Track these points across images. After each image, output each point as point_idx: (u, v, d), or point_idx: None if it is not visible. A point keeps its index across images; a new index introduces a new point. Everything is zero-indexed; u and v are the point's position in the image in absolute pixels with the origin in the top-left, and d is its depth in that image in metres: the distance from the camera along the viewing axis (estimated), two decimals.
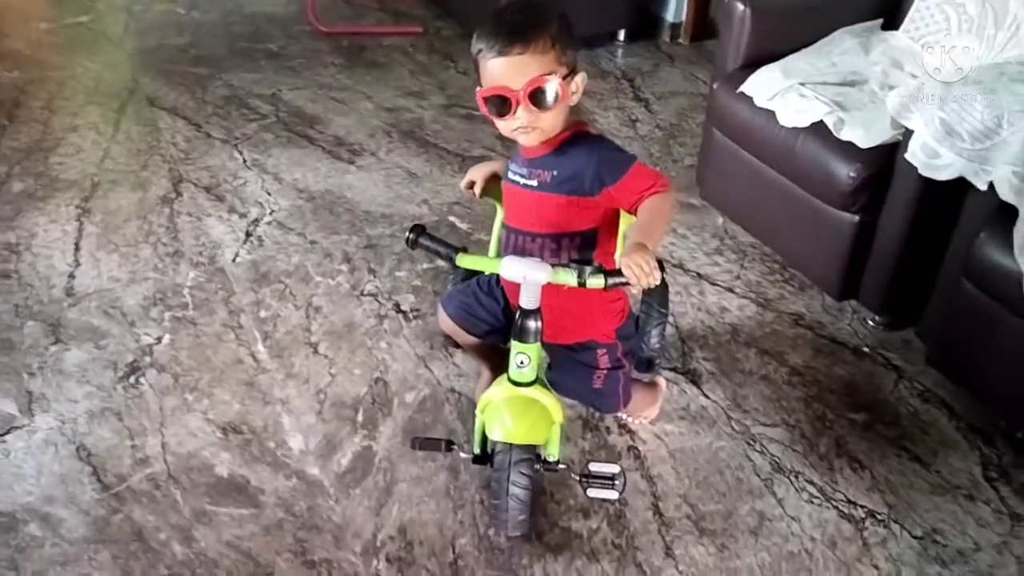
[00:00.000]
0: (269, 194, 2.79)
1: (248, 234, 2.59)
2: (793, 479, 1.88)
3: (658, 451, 1.92)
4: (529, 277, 1.43)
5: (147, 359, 2.13)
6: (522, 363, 1.53)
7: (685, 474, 1.88)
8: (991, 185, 1.83)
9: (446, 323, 1.78)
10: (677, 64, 3.73)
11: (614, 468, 1.68)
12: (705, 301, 2.38)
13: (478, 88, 1.45)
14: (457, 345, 1.89)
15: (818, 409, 2.05)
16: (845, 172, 2.10)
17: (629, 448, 1.94)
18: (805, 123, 2.21)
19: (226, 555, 1.69)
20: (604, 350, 1.67)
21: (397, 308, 2.32)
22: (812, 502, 1.83)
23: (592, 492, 1.69)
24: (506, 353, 1.55)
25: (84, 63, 3.59)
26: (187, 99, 3.34)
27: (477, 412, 1.64)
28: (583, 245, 1.54)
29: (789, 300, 2.39)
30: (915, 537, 1.76)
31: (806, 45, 2.49)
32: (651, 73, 3.64)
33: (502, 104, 1.42)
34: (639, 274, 1.31)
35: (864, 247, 2.18)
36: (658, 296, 2.05)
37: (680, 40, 3.91)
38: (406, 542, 1.72)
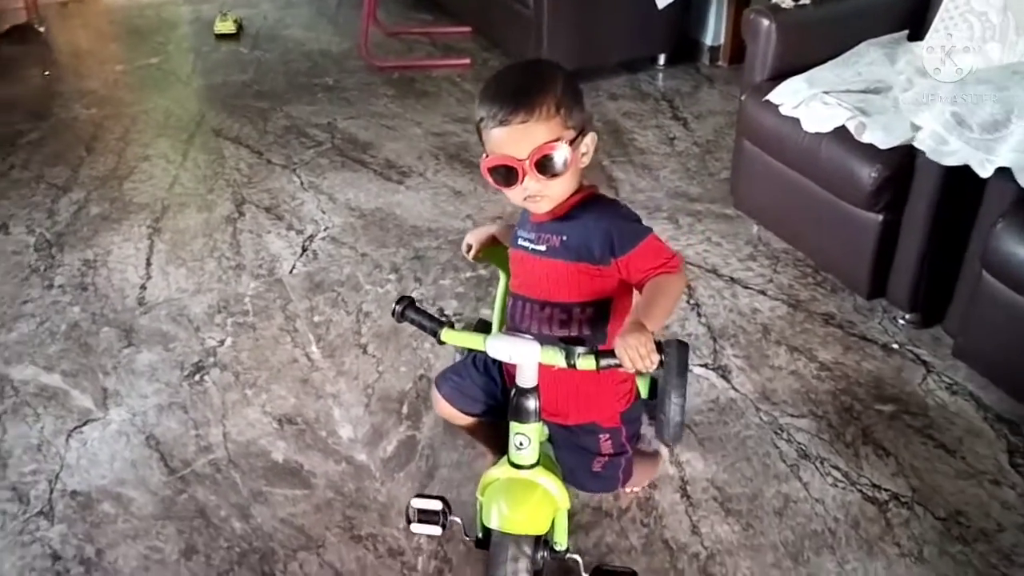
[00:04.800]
0: (324, 213, 2.97)
1: (304, 248, 2.77)
2: (819, 465, 1.95)
3: (687, 439, 2.01)
4: (515, 357, 1.35)
5: (211, 359, 2.30)
6: (521, 444, 1.42)
7: (713, 460, 1.96)
8: (1007, 177, 1.89)
9: (441, 406, 1.66)
10: (716, 85, 3.84)
11: (627, 570, 1.58)
12: (737, 303, 2.46)
13: (482, 158, 1.38)
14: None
15: (846, 401, 2.12)
16: (867, 173, 2.18)
17: None
18: (828, 128, 2.30)
19: (280, 530, 1.82)
20: (607, 435, 1.55)
21: (441, 312, 2.46)
22: (837, 486, 1.89)
23: None
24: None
25: (155, 100, 3.86)
26: (250, 130, 3.56)
27: (478, 494, 1.52)
28: (595, 316, 1.45)
29: (820, 301, 2.46)
30: (938, 518, 1.81)
31: (832, 57, 2.58)
32: (690, 94, 3.76)
33: (508, 174, 1.34)
34: (633, 357, 1.20)
35: (890, 246, 2.25)
36: (677, 357, 1.87)
37: (719, 63, 4.02)
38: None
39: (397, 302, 1.47)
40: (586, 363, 1.29)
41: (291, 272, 2.66)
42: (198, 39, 4.54)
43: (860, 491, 1.88)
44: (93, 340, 2.38)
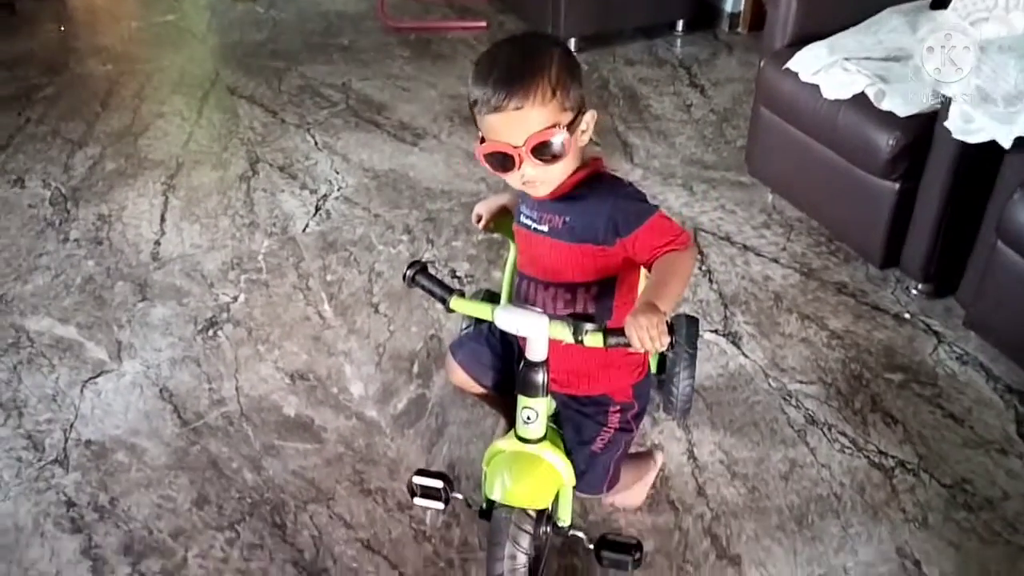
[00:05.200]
0: (337, 173, 2.97)
1: (317, 208, 2.78)
2: (826, 431, 1.95)
3: (695, 403, 2.01)
4: (523, 330, 1.33)
5: (224, 315, 2.32)
6: (529, 418, 1.41)
7: (720, 424, 1.97)
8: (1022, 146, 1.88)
9: (456, 374, 1.64)
10: (735, 52, 3.80)
11: (631, 540, 1.52)
12: (750, 270, 2.46)
13: (476, 143, 1.33)
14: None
15: (855, 369, 2.12)
16: (885, 140, 2.16)
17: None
18: (847, 95, 2.28)
19: (291, 482, 1.85)
20: (618, 407, 1.52)
21: (453, 274, 2.47)
22: (844, 452, 1.90)
23: (607, 565, 1.51)
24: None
25: (171, 57, 3.85)
26: (264, 89, 3.56)
27: (483, 464, 1.52)
28: (600, 295, 1.43)
29: (833, 270, 2.45)
30: (944, 485, 1.82)
31: (853, 24, 2.55)
32: (708, 61, 3.73)
33: (504, 160, 1.29)
34: (643, 338, 1.17)
35: (905, 214, 2.23)
36: (686, 332, 1.89)
37: (738, 30, 3.98)
38: (454, 476, 1.85)
39: (409, 267, 1.44)
40: (594, 340, 1.26)
41: (304, 231, 2.67)
42: None
43: (867, 457, 1.89)
44: (108, 294, 2.41)
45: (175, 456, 1.92)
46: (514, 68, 1.26)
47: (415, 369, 2.14)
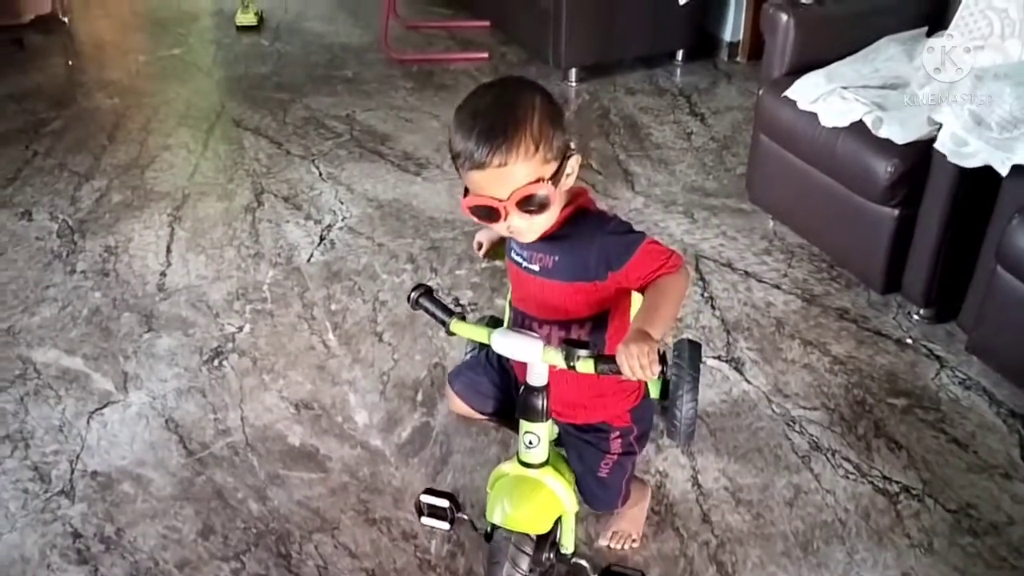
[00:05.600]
0: (342, 203, 3.00)
1: (322, 238, 2.80)
2: (830, 457, 1.96)
3: (699, 429, 2.02)
4: (518, 354, 1.34)
5: (229, 345, 2.34)
6: (531, 443, 1.43)
7: (724, 451, 1.98)
8: (1020, 172, 1.90)
9: (455, 403, 1.68)
10: (734, 81, 3.84)
11: (636, 572, 1.56)
12: (752, 297, 2.47)
13: (462, 196, 1.32)
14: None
15: (858, 395, 2.13)
16: (883, 167, 2.18)
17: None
18: (845, 123, 2.31)
19: (296, 512, 1.85)
20: (618, 433, 1.54)
21: (456, 302, 2.48)
22: (848, 477, 1.90)
23: None
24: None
25: (177, 90, 3.90)
26: (269, 121, 3.59)
27: (488, 488, 1.54)
28: (594, 329, 1.44)
29: (835, 296, 2.47)
30: (949, 510, 1.82)
31: (851, 53, 2.59)
32: (708, 90, 3.76)
33: (491, 213, 1.29)
34: (634, 367, 1.18)
35: (905, 240, 2.25)
36: (689, 358, 1.91)
37: (738, 58, 4.02)
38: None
39: (414, 289, 1.47)
40: (585, 366, 1.27)
41: (309, 261, 2.69)
42: (219, 31, 4.59)
43: (871, 483, 1.89)
44: (114, 325, 2.42)
45: (181, 487, 1.92)
46: (496, 123, 1.24)
47: (419, 397, 2.15)
